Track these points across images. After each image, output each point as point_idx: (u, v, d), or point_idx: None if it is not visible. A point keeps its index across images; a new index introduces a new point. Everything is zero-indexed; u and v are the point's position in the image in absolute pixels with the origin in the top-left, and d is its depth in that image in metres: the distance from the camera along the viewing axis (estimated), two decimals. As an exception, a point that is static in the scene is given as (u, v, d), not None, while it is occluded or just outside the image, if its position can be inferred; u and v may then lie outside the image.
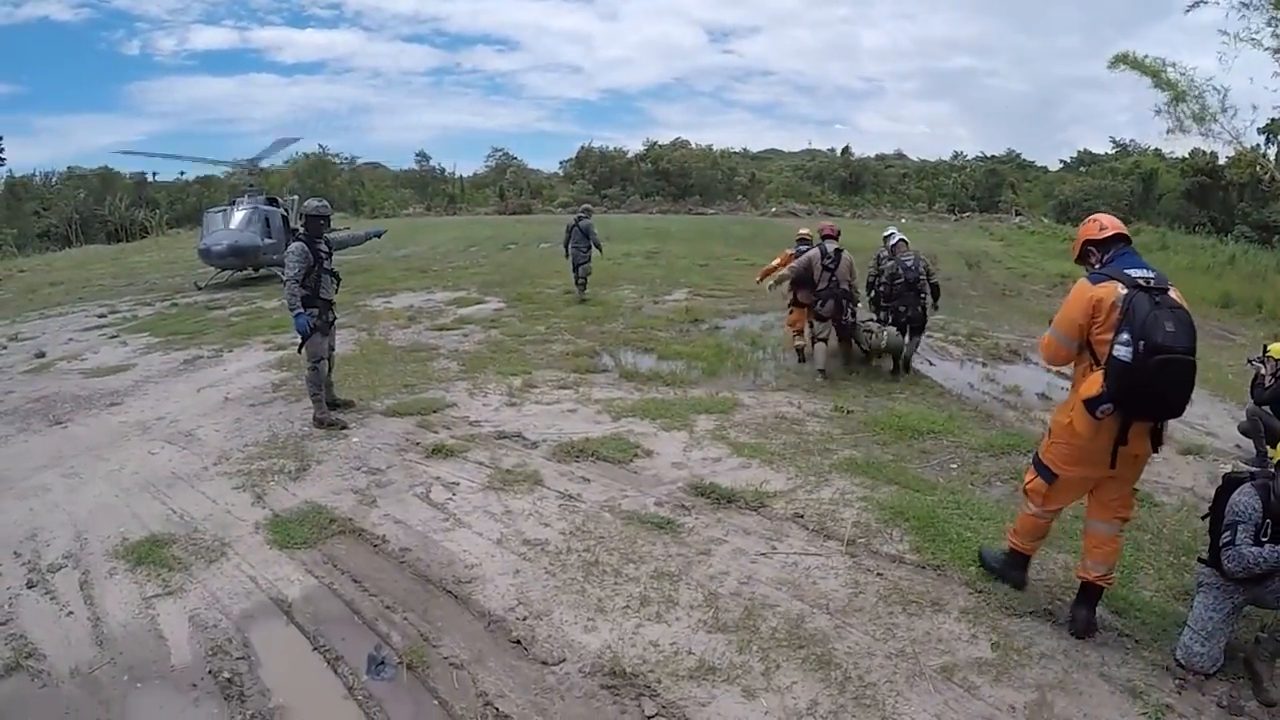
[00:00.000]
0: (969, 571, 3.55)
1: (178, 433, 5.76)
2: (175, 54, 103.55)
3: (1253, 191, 27.47)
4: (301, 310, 5.57)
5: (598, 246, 11.95)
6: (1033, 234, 28.39)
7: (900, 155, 63.70)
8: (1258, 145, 20.50)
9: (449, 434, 5.57)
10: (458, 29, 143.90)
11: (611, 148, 53.51)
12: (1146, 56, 15.78)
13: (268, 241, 14.50)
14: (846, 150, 57.84)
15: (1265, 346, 5.53)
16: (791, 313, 8.31)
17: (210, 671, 2.95)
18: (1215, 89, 15.00)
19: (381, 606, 3.37)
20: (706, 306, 11.60)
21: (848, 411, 6.16)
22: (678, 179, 48.87)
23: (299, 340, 5.72)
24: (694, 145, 52.41)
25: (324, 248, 5.81)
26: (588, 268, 11.97)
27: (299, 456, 5.14)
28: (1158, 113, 15.67)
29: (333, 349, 6.01)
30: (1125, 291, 2.82)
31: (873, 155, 60.22)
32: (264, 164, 19.40)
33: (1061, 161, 51.47)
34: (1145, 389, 2.75)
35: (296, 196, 17.03)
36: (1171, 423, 5.93)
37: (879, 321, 7.79)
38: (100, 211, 35.81)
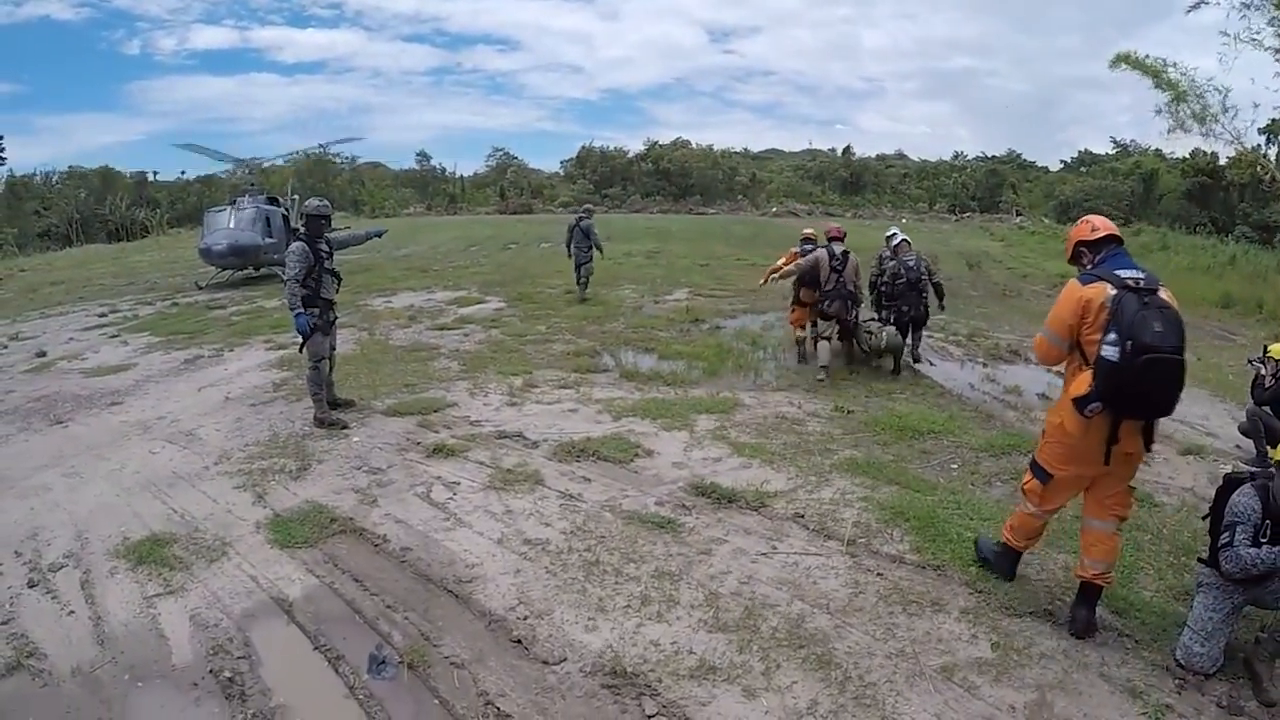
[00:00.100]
0: (969, 572, 3.56)
1: (178, 432, 5.76)
2: (176, 53, 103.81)
3: (1253, 192, 27.46)
4: (302, 310, 5.57)
5: (598, 247, 11.94)
6: (1033, 234, 28.37)
7: (901, 155, 63.80)
8: (1258, 145, 20.52)
9: (450, 434, 5.57)
10: (458, 29, 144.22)
11: (612, 147, 53.69)
12: (1147, 56, 15.78)
13: (268, 241, 14.50)
14: (847, 150, 57.94)
15: (1265, 347, 5.53)
16: (793, 311, 8.41)
17: (211, 671, 2.95)
18: (1216, 89, 15.01)
19: (382, 606, 3.37)
20: (707, 306, 11.60)
21: (848, 411, 6.16)
22: (678, 179, 48.90)
23: (300, 340, 5.72)
24: (695, 145, 52.49)
25: (325, 247, 5.81)
26: (590, 267, 11.97)
27: (300, 456, 5.14)
28: (1158, 112, 15.67)
29: (334, 348, 6.02)
30: (1114, 292, 2.86)
31: (873, 155, 60.38)
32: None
33: (1062, 162, 51.60)
34: (1133, 388, 2.79)
35: (297, 196, 17.03)
36: (1172, 423, 5.95)
37: (880, 321, 7.86)
38: (101, 211, 35.85)
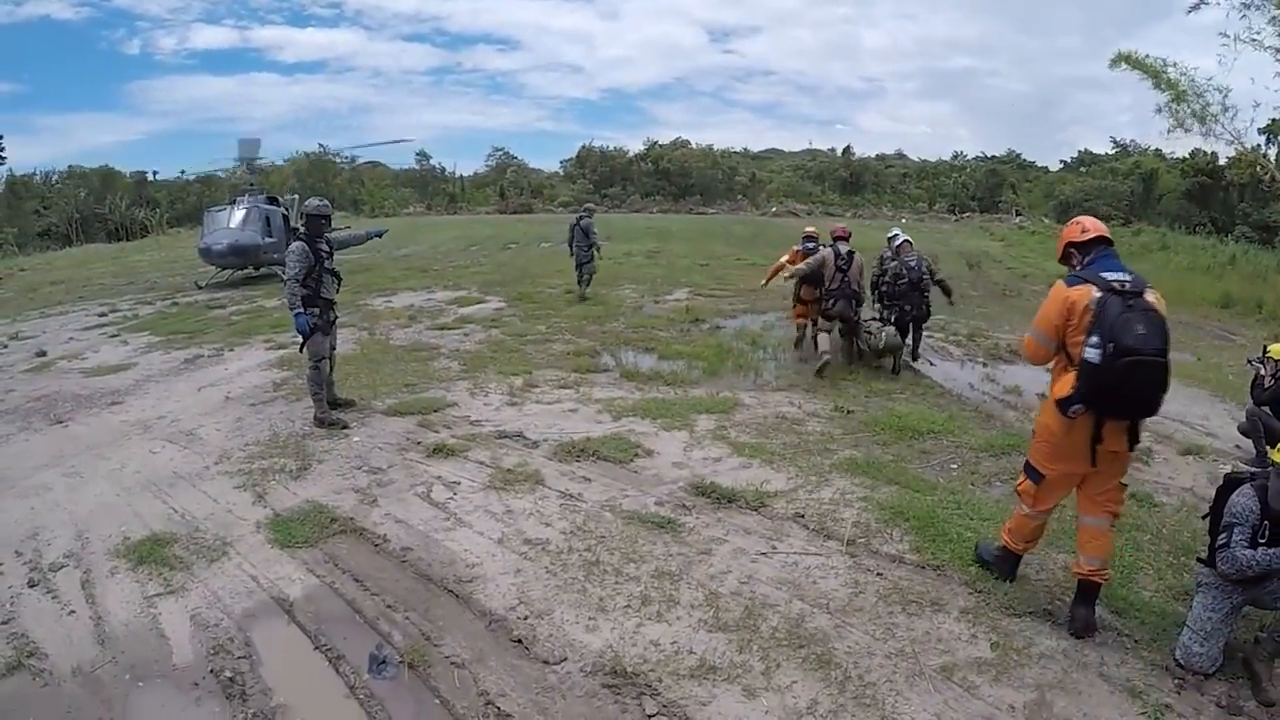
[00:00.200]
0: (969, 571, 3.56)
1: (179, 432, 5.77)
2: (176, 53, 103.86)
3: (1253, 192, 27.46)
4: (302, 310, 5.57)
5: (596, 247, 11.97)
6: (1033, 234, 28.37)
7: (901, 155, 63.81)
8: (1258, 145, 20.51)
9: (450, 433, 5.57)
10: (458, 28, 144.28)
11: (612, 147, 53.73)
12: (1147, 56, 15.79)
13: (268, 240, 14.50)
14: (847, 150, 57.95)
15: (1265, 347, 5.53)
16: (795, 307, 8.62)
17: (212, 670, 2.95)
18: (1216, 89, 15.01)
19: (383, 605, 3.38)
20: (707, 306, 11.60)
21: (848, 411, 6.17)
22: (678, 179, 48.91)
23: (300, 339, 5.72)
24: (695, 145, 52.52)
25: (325, 247, 5.81)
26: (592, 267, 12.04)
27: (300, 456, 5.14)
28: (1159, 111, 15.67)
29: (334, 348, 6.02)
30: (1099, 295, 2.90)
31: (873, 155, 60.41)
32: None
33: (1062, 162, 51.61)
34: (1114, 390, 2.83)
35: (297, 195, 17.03)
36: (1172, 424, 5.96)
37: (881, 321, 7.93)
38: (101, 210, 35.85)
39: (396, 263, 17.68)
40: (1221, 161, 29.65)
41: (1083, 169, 45.65)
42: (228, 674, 2.93)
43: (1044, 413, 3.21)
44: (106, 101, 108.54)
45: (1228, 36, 14.52)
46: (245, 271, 14.98)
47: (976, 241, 25.78)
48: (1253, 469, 3.45)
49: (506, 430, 5.63)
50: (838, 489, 4.56)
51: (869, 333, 7.80)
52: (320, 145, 40.33)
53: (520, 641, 3.10)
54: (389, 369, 7.53)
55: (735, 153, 56.92)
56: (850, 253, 7.60)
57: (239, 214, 14.58)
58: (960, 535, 3.88)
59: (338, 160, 46.27)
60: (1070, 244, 3.25)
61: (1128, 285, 2.90)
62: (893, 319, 7.77)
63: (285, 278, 5.68)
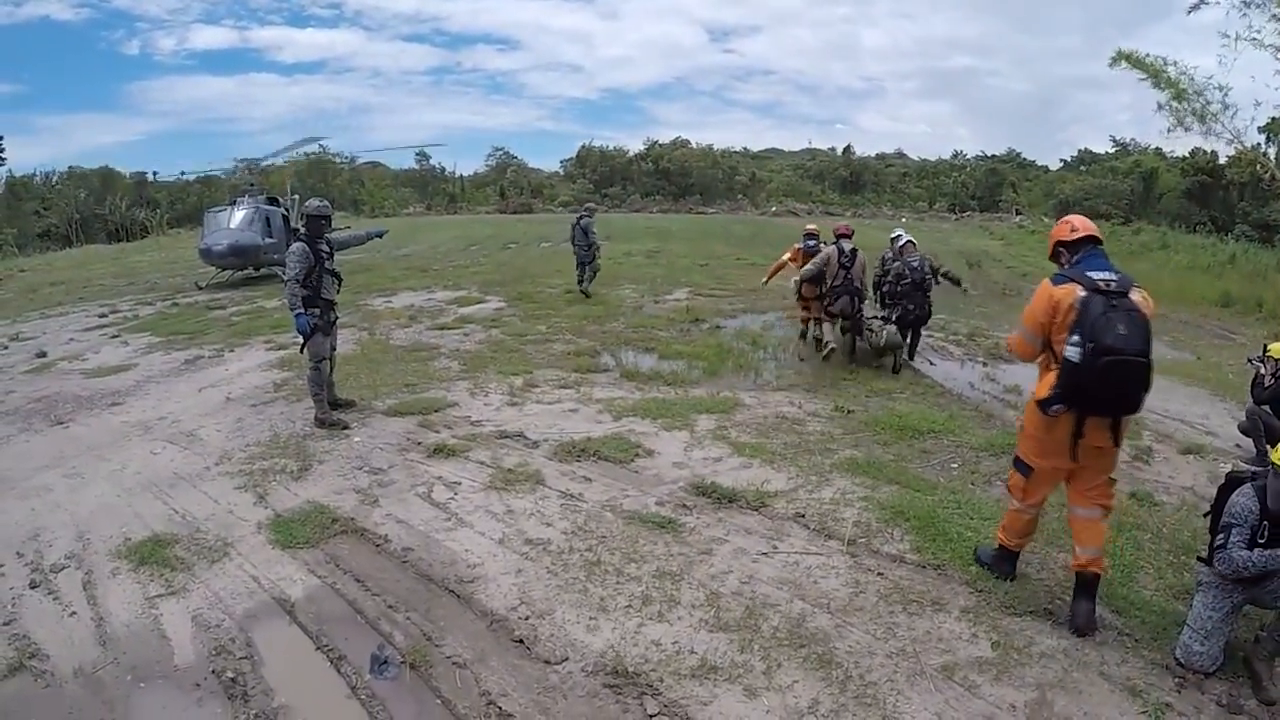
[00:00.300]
0: (969, 571, 3.57)
1: (179, 432, 5.77)
2: (175, 53, 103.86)
3: (1253, 191, 27.48)
4: (302, 310, 5.57)
5: (595, 246, 12.02)
6: (1033, 233, 28.32)
7: (901, 155, 63.82)
8: (1258, 144, 20.51)
9: (450, 434, 5.58)
10: (458, 28, 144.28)
11: (612, 147, 53.71)
12: (1147, 55, 15.79)
13: (268, 241, 14.49)
14: (847, 150, 57.93)
15: (1265, 346, 5.54)
16: (799, 303, 8.77)
17: (213, 671, 2.96)
18: (1216, 87, 15.01)
19: (384, 606, 3.38)
20: (707, 306, 11.60)
21: (848, 411, 6.17)
22: (678, 178, 48.89)
23: (300, 340, 5.72)
24: (694, 144, 52.49)
25: (325, 248, 5.81)
26: (595, 265, 12.11)
27: (301, 456, 5.15)
28: (1159, 108, 15.68)
29: (334, 349, 6.02)
30: (1083, 294, 2.94)
31: (873, 155, 60.39)
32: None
33: (1062, 161, 51.55)
34: (1094, 388, 2.88)
35: (297, 196, 17.02)
36: (1172, 423, 5.96)
37: (883, 319, 7.99)
38: (101, 211, 35.84)
39: (396, 263, 17.67)
40: (1222, 160, 29.69)
41: (1083, 168, 45.63)
42: (229, 675, 2.93)
43: (1028, 409, 3.27)
44: (106, 102, 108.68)
45: (1228, 36, 14.54)
46: (245, 272, 14.98)
47: (976, 241, 25.77)
48: (1254, 468, 3.45)
49: (507, 430, 5.63)
50: (838, 489, 4.56)
51: (871, 330, 7.89)
52: (320, 145, 40.37)
53: (522, 641, 3.10)
54: (389, 369, 7.54)
55: (735, 152, 56.92)
56: (853, 250, 7.75)
57: (239, 215, 14.56)
58: (961, 535, 3.88)
59: (337, 160, 46.25)
60: (1059, 243, 3.29)
61: (1113, 285, 2.94)
62: (895, 318, 7.82)
63: (286, 278, 5.68)
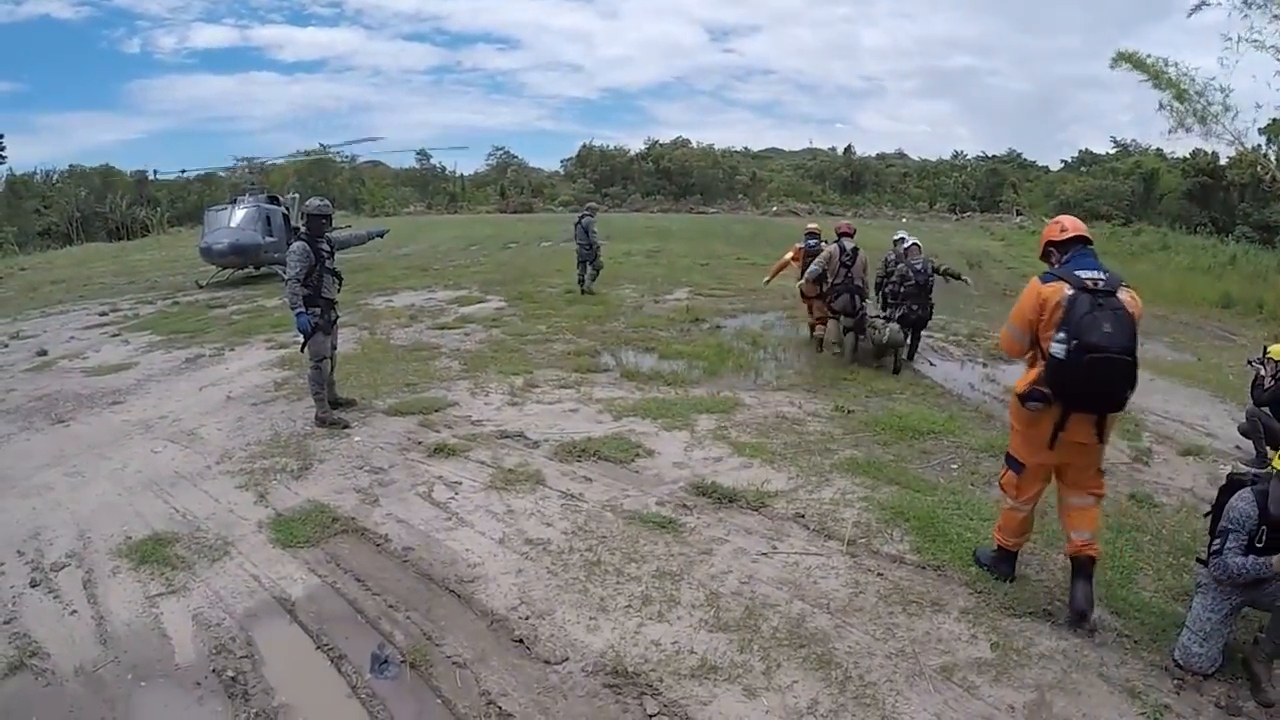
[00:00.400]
0: (969, 572, 3.57)
1: (180, 431, 5.77)
2: (176, 52, 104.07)
3: (1254, 192, 27.49)
4: (303, 309, 5.57)
5: (596, 245, 12.08)
6: (1033, 234, 28.28)
7: (901, 154, 63.79)
8: (1259, 146, 20.47)
9: (451, 433, 5.58)
10: (458, 27, 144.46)
11: (612, 146, 53.79)
12: (1148, 56, 15.79)
13: (269, 240, 14.50)
14: (848, 149, 57.93)
15: (1265, 348, 5.54)
16: (803, 302, 8.95)
17: (214, 670, 2.96)
18: (1217, 89, 15.01)
19: (384, 605, 3.38)
20: (707, 306, 11.60)
21: (848, 411, 6.17)
22: (679, 178, 48.93)
23: (301, 339, 5.73)
24: (695, 144, 52.56)
25: (326, 247, 5.82)
26: (598, 264, 12.23)
27: (301, 455, 5.15)
28: (1161, 107, 15.68)
29: (335, 348, 6.02)
30: (1070, 292, 2.98)
31: (874, 154, 60.38)
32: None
33: (1063, 161, 51.56)
34: (1078, 385, 2.94)
35: (297, 195, 17.02)
36: (1172, 424, 5.95)
37: (885, 319, 8.09)
38: (101, 209, 35.87)
39: (397, 262, 17.68)
40: (1222, 161, 29.72)
41: (1083, 169, 45.63)
42: (230, 674, 2.93)
43: (1011, 404, 3.34)
44: (106, 101, 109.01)
45: (1229, 37, 14.54)
46: (246, 271, 14.99)
47: (977, 241, 25.79)
48: (1255, 470, 3.46)
49: (507, 430, 5.63)
50: (838, 489, 4.57)
51: (873, 327, 7.99)
52: (320, 145, 40.40)
53: (522, 641, 3.11)
54: (390, 368, 7.54)
55: (735, 152, 56.96)
56: (854, 249, 7.86)
57: (239, 213, 14.57)
58: (960, 535, 3.89)
59: (338, 159, 46.20)
60: (1050, 243, 3.34)
61: (1100, 284, 2.98)
62: (898, 317, 7.89)
63: (286, 277, 5.68)
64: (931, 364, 8.39)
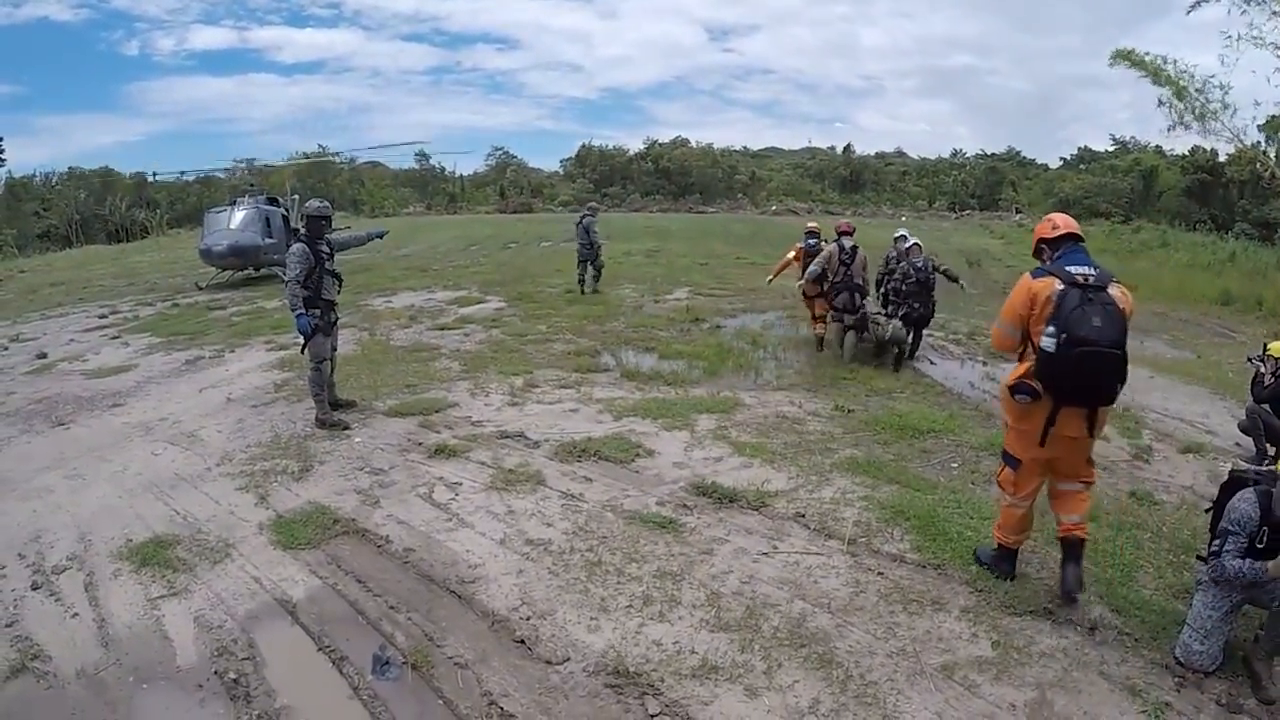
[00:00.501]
0: (970, 570, 3.57)
1: (180, 433, 5.77)
2: (174, 54, 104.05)
3: (1253, 189, 27.49)
4: (303, 311, 5.57)
5: (597, 245, 12.10)
6: (1032, 232, 28.33)
7: (900, 153, 63.83)
8: (1258, 142, 20.46)
9: (451, 434, 5.58)
10: (458, 28, 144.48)
11: (612, 146, 53.81)
12: (1147, 54, 15.79)
13: (268, 241, 14.49)
14: (847, 148, 57.94)
15: (1265, 345, 5.54)
16: (804, 302, 8.87)
17: (216, 672, 2.97)
18: (1217, 86, 15.01)
19: (385, 607, 3.39)
20: (707, 305, 11.60)
21: (849, 411, 6.17)
22: (678, 177, 48.92)
23: (301, 340, 5.73)
24: (694, 144, 52.57)
25: (325, 248, 5.82)
26: (599, 263, 12.27)
27: (302, 457, 5.15)
28: (1161, 104, 15.69)
29: (335, 349, 6.02)
30: (1060, 287, 3.02)
31: (873, 153, 60.41)
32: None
33: (1062, 159, 51.48)
34: (1068, 379, 2.98)
35: (297, 196, 17.02)
36: (1172, 421, 5.95)
37: (887, 316, 8.14)
38: (101, 212, 35.85)
39: (396, 263, 17.67)
40: (1221, 158, 29.71)
41: (1082, 166, 45.58)
42: (231, 676, 2.94)
43: (1002, 398, 3.38)
44: (105, 102, 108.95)
45: (1229, 35, 14.54)
46: (245, 273, 14.98)
47: (976, 239, 25.78)
48: (1255, 468, 3.46)
49: (508, 430, 5.63)
50: (838, 488, 4.57)
51: (875, 324, 8.04)
52: (320, 145, 40.42)
53: (523, 642, 3.11)
54: (390, 369, 7.54)
55: (735, 151, 57.03)
56: (854, 247, 7.90)
57: (239, 215, 14.56)
58: (961, 534, 3.89)
59: (337, 160, 46.21)
60: (1042, 239, 3.38)
61: (1091, 279, 3.02)
62: (900, 315, 7.92)
63: (286, 279, 5.68)
64: (932, 363, 8.39)
